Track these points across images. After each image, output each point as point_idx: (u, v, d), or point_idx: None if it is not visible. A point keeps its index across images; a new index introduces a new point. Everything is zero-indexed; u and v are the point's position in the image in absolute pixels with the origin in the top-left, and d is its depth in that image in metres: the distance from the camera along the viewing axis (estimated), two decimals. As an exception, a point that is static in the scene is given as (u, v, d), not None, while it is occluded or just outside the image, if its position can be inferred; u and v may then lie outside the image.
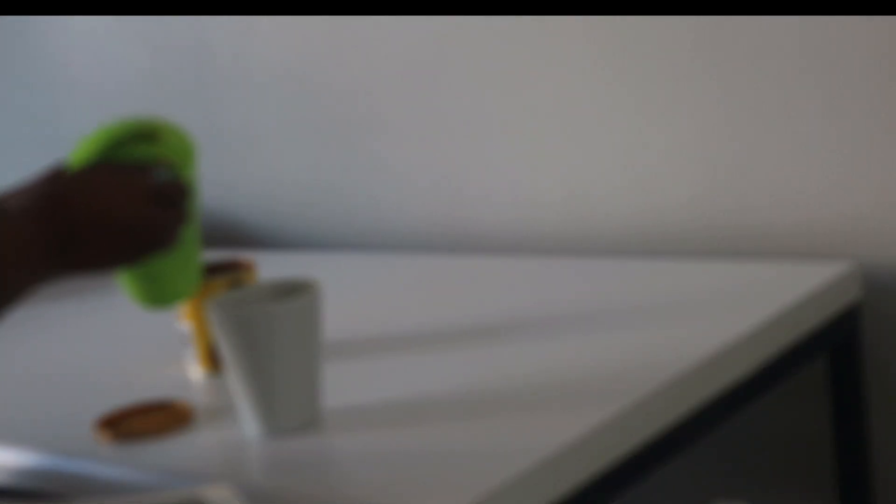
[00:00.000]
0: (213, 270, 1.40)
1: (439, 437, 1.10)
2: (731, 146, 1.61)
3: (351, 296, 1.63)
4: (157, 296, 1.22)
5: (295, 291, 1.15)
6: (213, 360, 1.35)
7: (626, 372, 1.21)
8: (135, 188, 1.09)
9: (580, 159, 1.73)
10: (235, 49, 2.04)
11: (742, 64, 1.58)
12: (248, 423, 1.13)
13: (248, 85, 2.05)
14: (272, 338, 1.09)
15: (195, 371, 1.36)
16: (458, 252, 1.86)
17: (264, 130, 2.05)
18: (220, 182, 2.11)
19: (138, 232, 1.07)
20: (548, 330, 1.38)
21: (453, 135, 1.85)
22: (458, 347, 1.35)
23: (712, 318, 1.35)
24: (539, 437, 1.06)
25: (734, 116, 1.60)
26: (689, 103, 1.63)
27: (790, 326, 1.36)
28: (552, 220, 1.78)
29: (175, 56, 2.12)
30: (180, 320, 1.35)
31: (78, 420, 1.23)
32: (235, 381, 1.12)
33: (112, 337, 1.57)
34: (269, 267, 1.87)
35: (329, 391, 1.17)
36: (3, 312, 1.00)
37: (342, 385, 1.24)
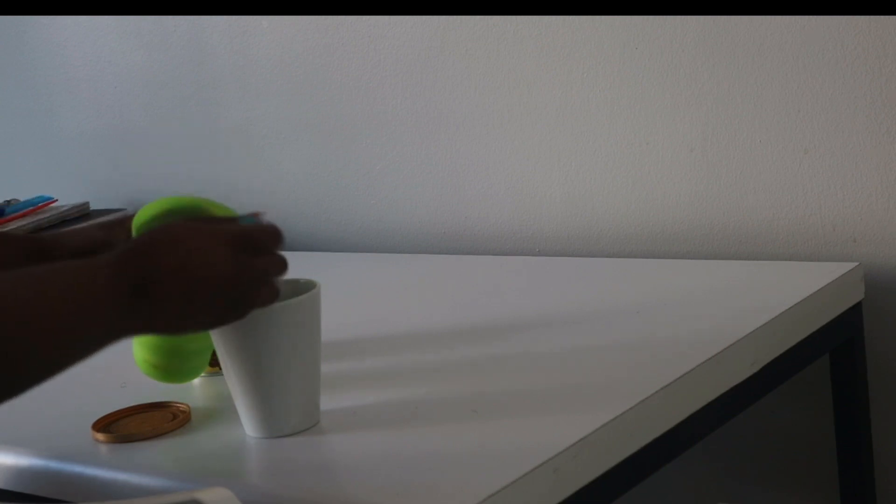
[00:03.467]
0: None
1: (439, 438, 1.09)
2: (731, 146, 1.60)
3: (351, 296, 1.63)
4: (174, 372, 1.23)
5: (294, 291, 1.14)
6: (211, 361, 1.34)
7: (627, 372, 1.20)
8: (220, 235, 0.97)
9: (580, 159, 1.73)
10: (235, 49, 2.04)
11: (743, 64, 1.57)
12: (247, 424, 1.13)
13: (248, 85, 2.05)
14: (271, 338, 1.08)
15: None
16: (458, 252, 1.86)
17: (264, 130, 2.05)
18: (219, 182, 2.11)
19: (228, 283, 0.97)
20: (548, 330, 1.37)
21: (453, 134, 1.84)
22: (458, 347, 1.35)
23: (713, 319, 1.34)
24: (540, 438, 1.06)
25: (735, 116, 1.59)
26: (689, 103, 1.62)
27: (792, 327, 1.36)
28: (552, 220, 1.77)
29: (174, 56, 2.12)
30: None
31: (75, 421, 1.23)
32: (234, 382, 1.11)
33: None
34: (269, 267, 1.86)
35: (329, 391, 1.16)
36: (68, 365, 0.93)
37: (342, 385, 1.24)
